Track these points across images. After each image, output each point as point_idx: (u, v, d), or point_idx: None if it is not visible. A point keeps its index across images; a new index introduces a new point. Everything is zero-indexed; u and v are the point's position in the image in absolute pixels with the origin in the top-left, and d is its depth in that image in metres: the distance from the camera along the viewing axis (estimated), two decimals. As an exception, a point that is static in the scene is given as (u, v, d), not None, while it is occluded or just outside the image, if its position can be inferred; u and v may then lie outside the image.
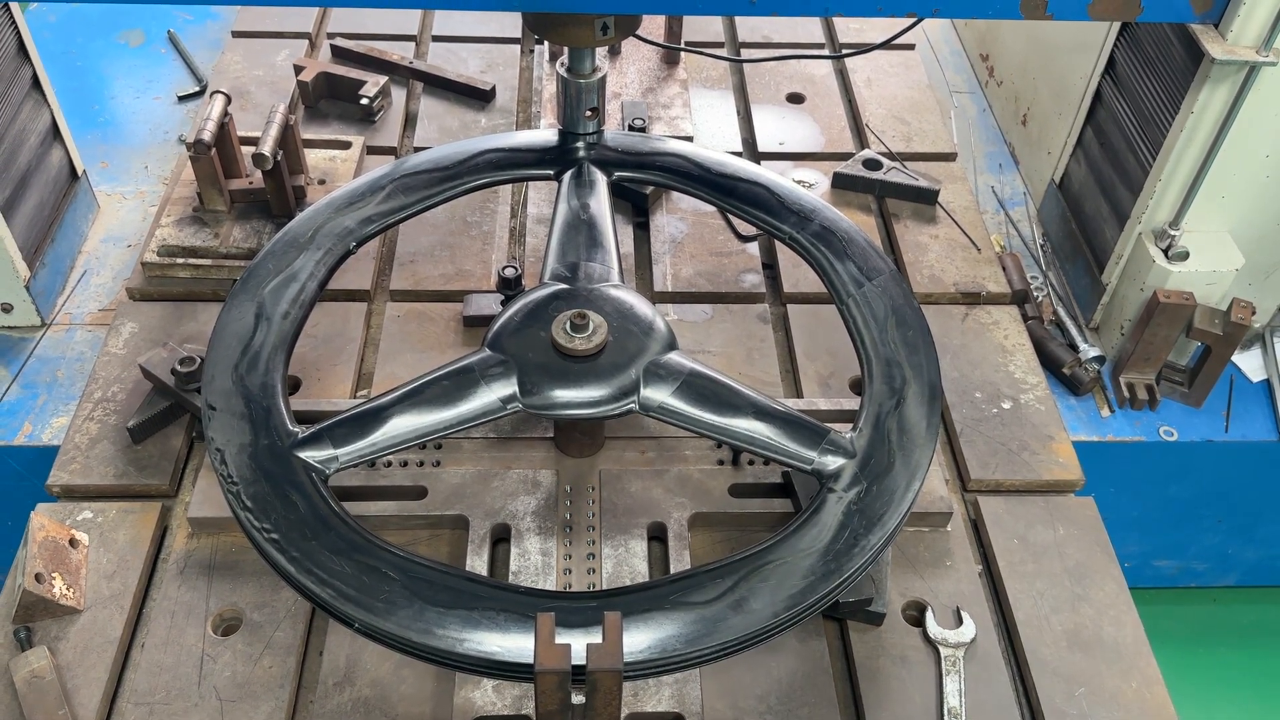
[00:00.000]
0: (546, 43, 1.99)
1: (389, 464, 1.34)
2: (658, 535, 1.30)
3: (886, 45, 1.73)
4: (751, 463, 1.36)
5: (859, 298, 1.30)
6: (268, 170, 1.57)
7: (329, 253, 1.32)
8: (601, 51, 1.43)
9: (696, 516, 1.30)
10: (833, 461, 1.14)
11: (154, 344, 1.48)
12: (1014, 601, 1.27)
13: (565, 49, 1.37)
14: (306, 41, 2.02)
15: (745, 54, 2.05)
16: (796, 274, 1.62)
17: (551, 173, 1.45)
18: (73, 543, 1.26)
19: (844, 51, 1.89)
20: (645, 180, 1.48)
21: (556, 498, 1.30)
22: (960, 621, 1.24)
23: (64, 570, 1.23)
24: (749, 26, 2.10)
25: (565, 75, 1.39)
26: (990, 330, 1.58)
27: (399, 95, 1.91)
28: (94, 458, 1.36)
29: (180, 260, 1.59)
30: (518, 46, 2.04)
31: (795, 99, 1.96)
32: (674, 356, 1.22)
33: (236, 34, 2.04)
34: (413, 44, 2.03)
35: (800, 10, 1.28)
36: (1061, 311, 1.69)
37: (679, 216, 1.72)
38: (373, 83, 1.85)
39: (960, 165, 1.85)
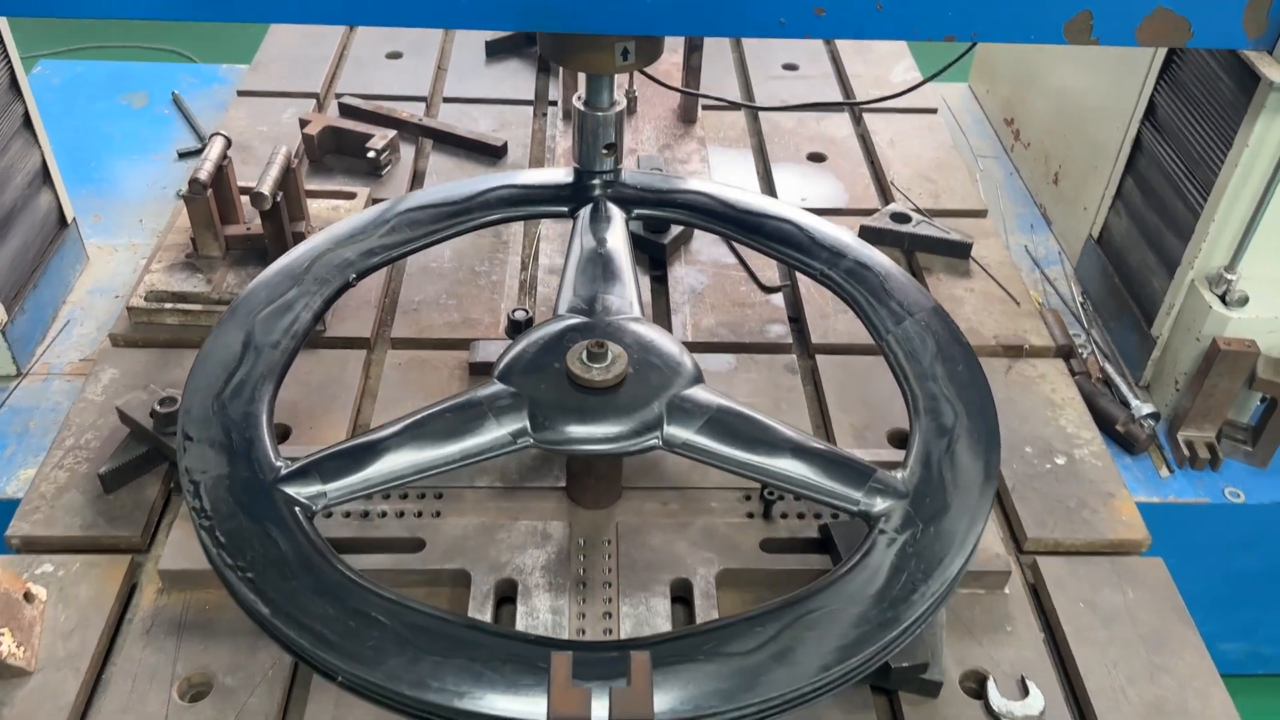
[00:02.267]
0: (560, 102, 1.94)
1: (383, 514, 1.22)
2: (682, 594, 1.16)
3: (923, 84, 1.67)
4: (785, 516, 1.23)
5: (899, 334, 1.20)
6: (266, 211, 1.49)
7: (326, 284, 1.23)
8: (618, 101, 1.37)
9: (725, 573, 1.17)
10: (882, 502, 1.03)
11: (136, 391, 1.37)
12: (1084, 671, 1.13)
13: (581, 83, 1.31)
14: (314, 101, 1.98)
15: (765, 114, 1.99)
16: (825, 325, 1.53)
17: (566, 210, 1.38)
18: (28, 597, 1.13)
19: (871, 100, 1.83)
20: (666, 218, 1.40)
21: (569, 551, 1.18)
22: (1026, 692, 1.10)
23: (15, 626, 1.09)
24: (767, 91, 2.06)
25: (582, 109, 1.33)
26: (1036, 384, 1.47)
27: (407, 152, 1.85)
28: (60, 507, 1.24)
29: (169, 305, 1.50)
30: (530, 108, 2.00)
31: (816, 158, 1.90)
32: (700, 390, 1.11)
33: (242, 93, 1.99)
34: (423, 105, 1.98)
35: (835, 32, 1.21)
36: (1109, 368, 1.58)
37: (698, 268, 1.63)
38: (380, 136, 1.79)
39: (991, 222, 1.78)
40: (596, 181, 1.38)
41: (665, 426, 1.08)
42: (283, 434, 1.35)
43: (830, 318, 1.54)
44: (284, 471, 1.02)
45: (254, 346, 1.14)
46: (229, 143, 1.55)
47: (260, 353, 1.14)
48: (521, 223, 1.70)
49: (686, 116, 1.91)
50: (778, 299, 1.58)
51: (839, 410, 1.41)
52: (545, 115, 1.99)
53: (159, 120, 2.07)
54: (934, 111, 2.03)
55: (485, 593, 1.14)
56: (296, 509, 0.99)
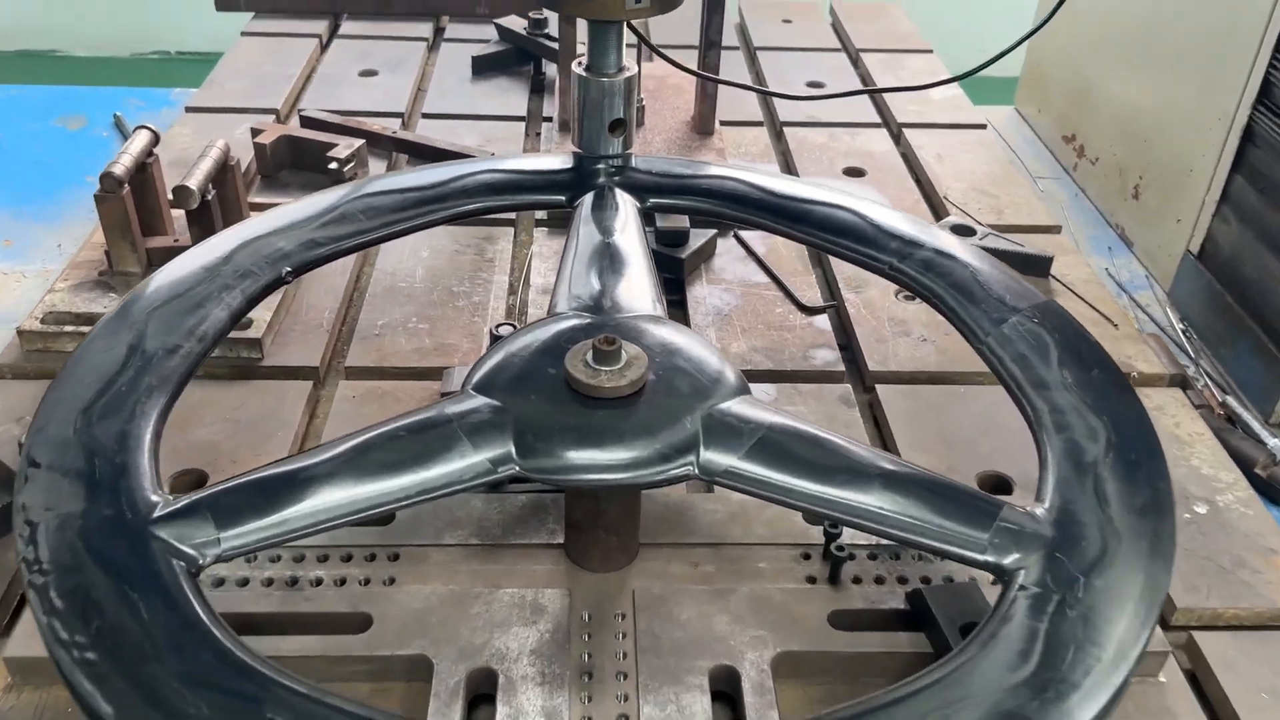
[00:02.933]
0: (555, 117, 1.69)
1: (317, 581, 0.91)
2: (725, 688, 0.85)
3: (971, 74, 1.42)
4: (858, 580, 0.92)
5: (1003, 335, 0.91)
6: (194, 213, 1.21)
7: (250, 278, 0.95)
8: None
9: (783, 658, 0.86)
10: (1018, 548, 0.72)
11: (7, 424, 1.07)
12: (1290, 792, 0.81)
13: (582, 35, 1.06)
14: (273, 117, 1.72)
15: (787, 123, 1.75)
16: (882, 350, 1.24)
17: (563, 199, 1.11)
18: None
19: (908, 87, 1.58)
20: (688, 208, 1.13)
21: (569, 630, 0.86)
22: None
23: None
24: (790, 109, 1.82)
25: (583, 74, 1.07)
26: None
27: (378, 167, 1.59)
28: (-113, 577, 0.93)
29: (69, 329, 1.21)
30: (521, 124, 1.75)
31: (854, 173, 1.64)
32: (745, 403, 0.82)
33: (191, 109, 1.74)
34: (399, 121, 1.73)
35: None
36: (1231, 401, 1.29)
37: (723, 287, 1.35)
38: (345, 145, 1.53)
39: (1067, 239, 1.51)
40: (601, 167, 1.12)
41: (702, 449, 0.78)
42: (196, 480, 1.04)
43: (888, 342, 1.26)
44: (162, 510, 0.72)
45: (142, 351, 0.85)
46: (156, 138, 1.29)
47: (151, 359, 0.84)
48: (510, 239, 1.43)
49: (703, 127, 1.65)
50: (822, 322, 1.30)
51: (911, 450, 1.11)
52: (539, 134, 1.75)
53: (95, 143, 1.81)
54: (983, 127, 1.79)
55: (452, 688, 0.82)
56: (175, 561, 0.69)
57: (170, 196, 1.26)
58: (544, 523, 0.96)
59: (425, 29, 2.05)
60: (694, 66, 1.66)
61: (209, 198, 1.22)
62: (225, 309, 0.91)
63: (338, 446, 0.78)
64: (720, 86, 1.62)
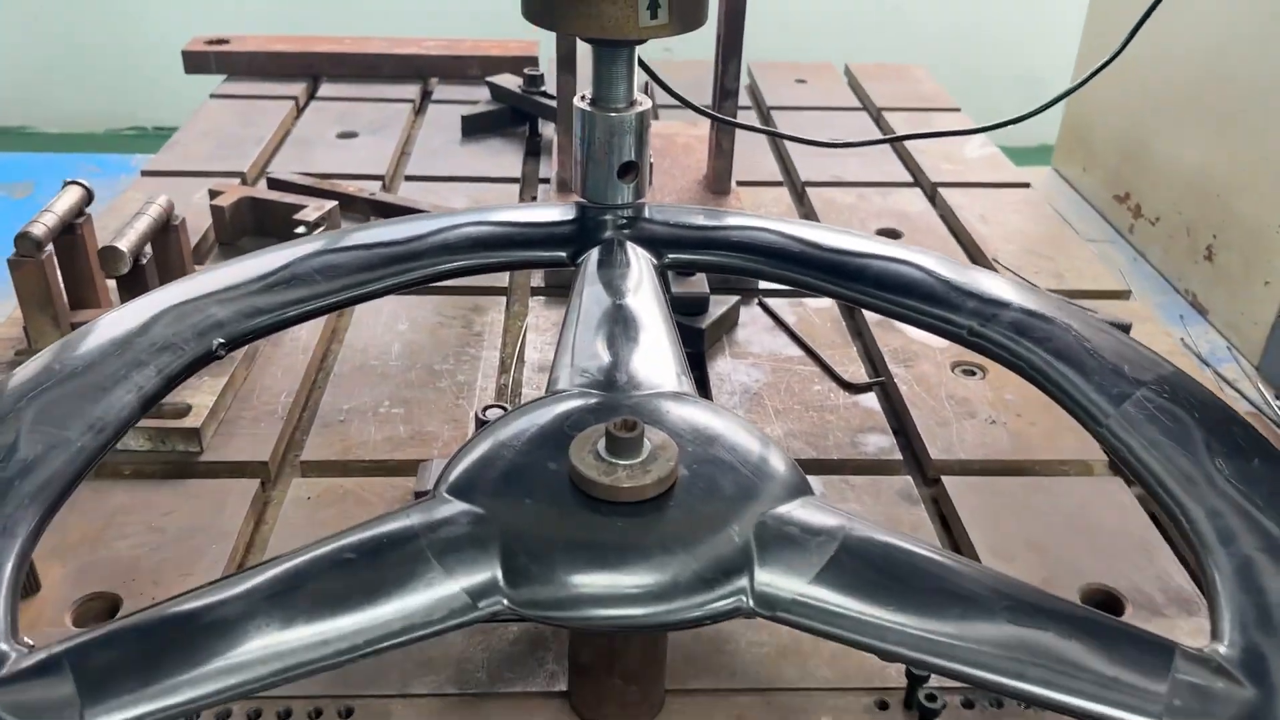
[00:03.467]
0: (553, 178, 1.53)
1: (243, 747, 0.69)
2: None
3: (1023, 119, 1.25)
4: (953, 736, 0.71)
5: (1128, 416, 0.71)
6: (125, 278, 1.03)
7: (170, 352, 0.75)
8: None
9: None
10: (1207, 710, 0.51)
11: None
12: None
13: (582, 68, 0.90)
14: (238, 181, 1.56)
15: (811, 183, 1.59)
16: (945, 435, 1.05)
17: (564, 255, 0.93)
18: None
19: (981, 127, 1.41)
20: (715, 265, 0.95)
21: (575, 814, 0.65)
22: None
23: None
24: (815, 168, 1.66)
25: (587, 109, 0.91)
26: None
27: (352, 232, 1.42)
28: None
29: (-30, 419, 1.00)
30: (515, 186, 1.59)
31: (889, 234, 1.47)
32: (810, 506, 0.62)
33: (147, 173, 1.58)
34: (379, 184, 1.57)
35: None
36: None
37: (750, 361, 1.17)
38: (315, 207, 1.36)
39: (1141, 305, 1.33)
40: (609, 218, 0.94)
41: (757, 571, 0.58)
42: (107, 608, 0.84)
43: (951, 425, 1.06)
44: (15, 664, 0.51)
45: (14, 450, 0.65)
46: (89, 196, 1.11)
47: (32, 458, 0.65)
48: (501, 309, 1.25)
49: (718, 186, 1.49)
50: (869, 401, 1.11)
51: (992, 556, 0.91)
52: (535, 197, 1.58)
53: (36, 210, 1.63)
54: (1027, 186, 1.63)
55: None
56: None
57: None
58: (542, 663, 0.75)
59: (412, 91, 1.91)
60: (702, 133, 1.51)
61: (144, 262, 1.03)
62: (134, 392, 0.72)
63: (261, 574, 0.58)
64: (735, 144, 1.47)
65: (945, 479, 1.00)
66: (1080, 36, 1.84)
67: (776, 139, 1.80)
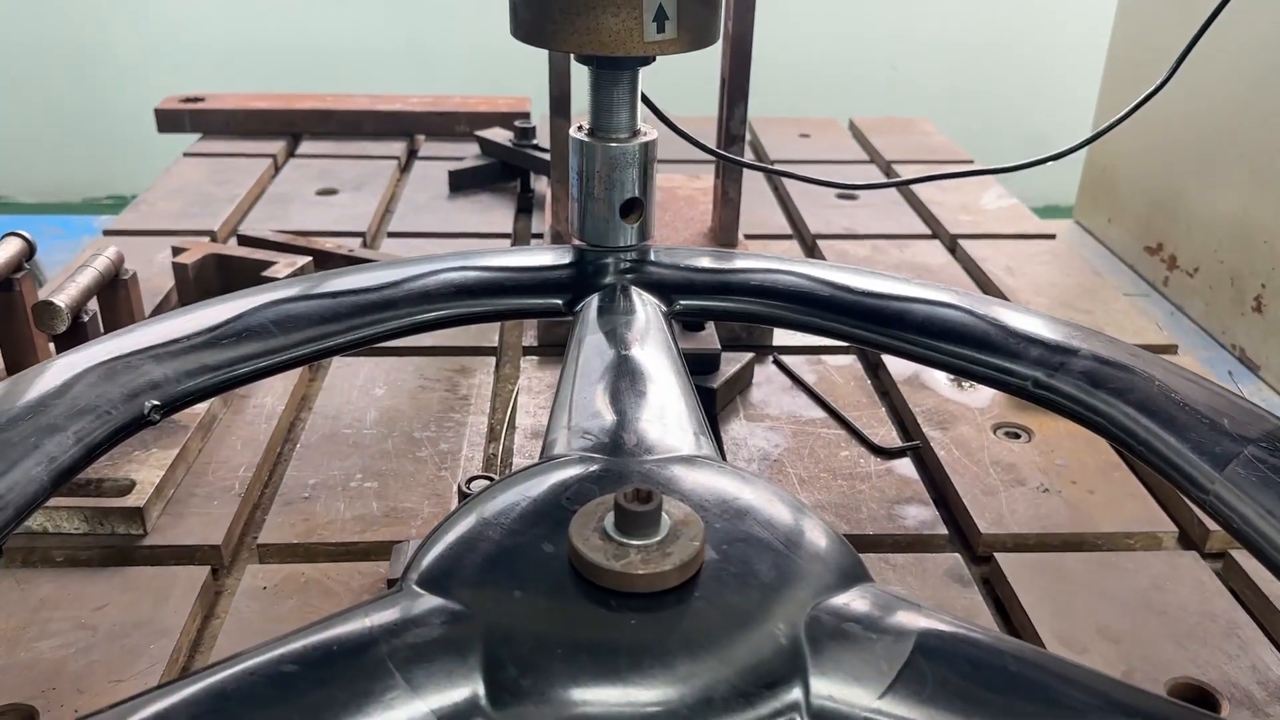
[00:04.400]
0: (546, 233, 1.45)
1: None
2: None
3: (1059, 157, 1.16)
4: None
5: (1236, 480, 0.60)
6: (63, 336, 0.91)
7: (96, 415, 0.64)
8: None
9: None
10: None
11: None
12: None
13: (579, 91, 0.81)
14: (208, 239, 1.46)
15: (822, 235, 1.51)
16: (994, 505, 0.93)
17: (560, 303, 0.83)
18: None
19: (995, 168, 1.32)
20: (733, 312, 0.85)
21: None
22: None
23: None
24: (823, 220, 1.58)
25: (585, 139, 0.82)
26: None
27: (329, 291, 1.32)
28: None
29: (-120, 499, 0.88)
30: (506, 242, 1.50)
31: (911, 288, 1.38)
32: (871, 596, 0.51)
33: (110, 233, 1.48)
34: (358, 240, 1.48)
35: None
36: None
37: (767, 424, 1.06)
38: (286, 264, 1.25)
39: (1193, 359, 1.22)
40: (610, 261, 0.85)
41: (812, 682, 0.46)
42: (16, 724, 0.70)
43: (998, 494, 0.95)
44: None
45: (-115, 530, 0.53)
46: (30, 249, 1.00)
47: (-95, 545, 0.52)
48: (490, 371, 1.15)
49: (724, 239, 1.39)
50: (904, 468, 1.00)
51: (1062, 647, 0.78)
52: (527, 253, 1.49)
53: (-4, 275, 1.53)
54: (1052, 237, 1.55)
55: None
56: None
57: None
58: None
59: (397, 148, 1.84)
60: (708, 176, 1.43)
61: (85, 319, 0.92)
62: (44, 464, 0.60)
63: (180, 691, 0.46)
64: (742, 195, 1.38)
65: (998, 555, 0.88)
66: (1100, 85, 1.77)
67: (783, 190, 1.73)
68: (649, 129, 0.84)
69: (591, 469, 0.59)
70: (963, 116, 3.13)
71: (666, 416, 0.66)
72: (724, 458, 0.99)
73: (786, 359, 1.18)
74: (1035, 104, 3.33)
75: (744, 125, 1.31)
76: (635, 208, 0.84)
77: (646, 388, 0.69)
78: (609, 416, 0.66)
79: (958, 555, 0.89)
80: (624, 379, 0.70)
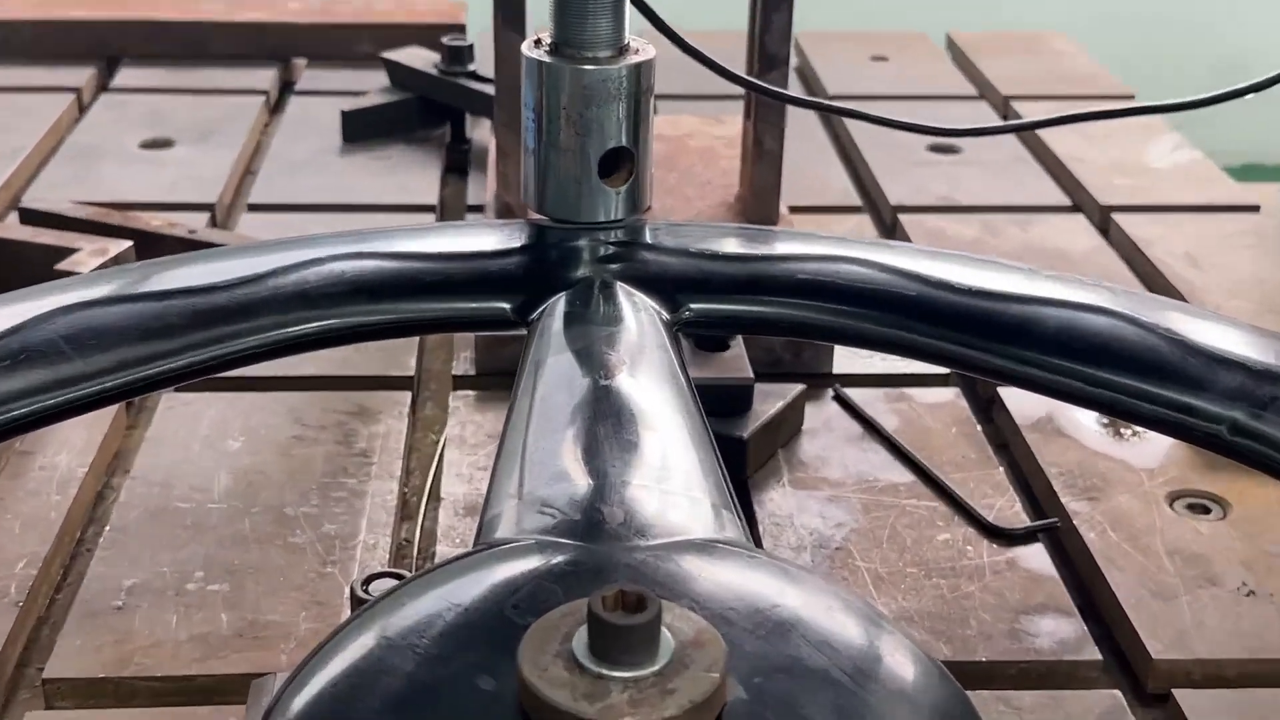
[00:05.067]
0: (489, 203, 1.47)
1: None
2: None
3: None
4: None
5: None
6: None
7: None
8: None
9: None
10: None
11: None
12: None
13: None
14: (-24, 215, 1.48)
15: (905, 208, 1.53)
16: (1172, 616, 0.94)
17: (507, 308, 0.85)
18: None
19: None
20: (768, 321, 0.89)
21: None
22: None
23: None
24: (910, 186, 1.61)
25: (546, 59, 0.84)
26: None
27: (158, 292, 1.34)
28: None
29: None
30: (430, 217, 1.53)
31: (1043, 285, 1.41)
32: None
33: None
34: (206, 215, 1.50)
35: None
36: None
37: (826, 494, 1.08)
38: (92, 251, 1.26)
39: None
40: (584, 244, 0.86)
41: None
42: None
43: (1179, 599, 0.96)
44: None
45: None
46: None
47: None
48: (402, 413, 1.18)
49: (759, 211, 1.41)
50: (1032, 558, 1.03)
51: (1279, 833, 0.78)
52: (460, 235, 1.52)
53: None
54: (1255, 210, 1.59)
55: None
56: None
57: None
58: None
59: (264, 78, 1.88)
60: (732, 119, 1.44)
61: None
62: None
63: None
64: (785, 145, 1.40)
65: (1177, 693, 0.89)
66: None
67: (847, 139, 1.76)
68: (643, 44, 0.85)
69: (554, 561, 0.59)
70: (1117, 29, 3.16)
71: (669, 480, 0.67)
72: (759, 544, 1.01)
73: (852, 393, 1.20)
74: (1226, 12, 3.36)
75: (788, 42, 1.32)
76: (623, 164, 0.85)
77: (639, 437, 0.70)
78: (581, 481, 0.66)
79: (1117, 692, 0.90)
80: (604, 423, 0.70)
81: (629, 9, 0.84)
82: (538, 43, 0.85)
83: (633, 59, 0.83)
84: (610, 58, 0.83)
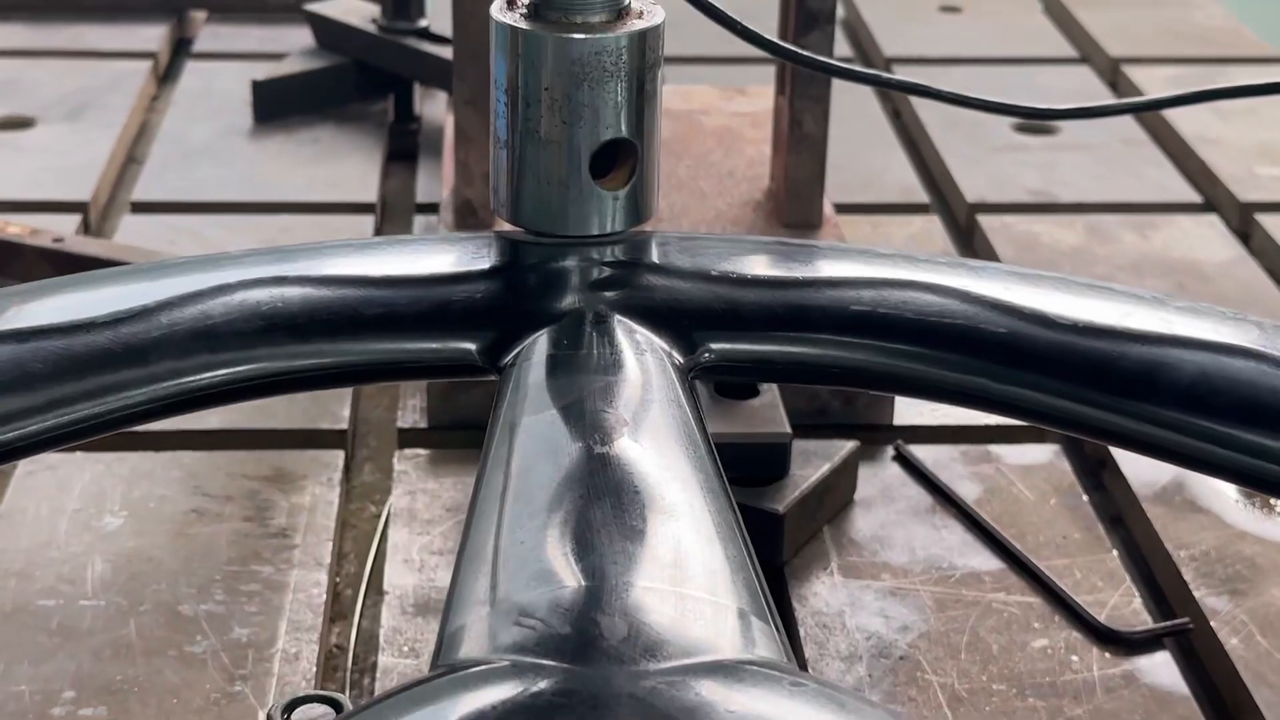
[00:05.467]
0: (446, 198, 1.50)
1: None
2: None
3: None
4: None
5: None
6: None
7: None
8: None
9: None
10: None
11: None
12: None
13: None
14: None
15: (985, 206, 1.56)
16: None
17: (472, 348, 0.87)
18: None
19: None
20: (807, 365, 0.90)
21: None
22: None
23: None
24: (994, 172, 1.61)
25: (522, 25, 0.85)
26: None
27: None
28: None
29: None
30: (368, 221, 1.55)
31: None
32: None
33: None
34: (77, 218, 1.52)
35: None
36: None
37: (887, 584, 1.11)
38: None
39: None
40: (573, 265, 0.88)
41: None
42: None
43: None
44: None
45: None
46: None
47: None
48: (332, 479, 1.19)
49: (795, 212, 1.44)
50: (1156, 670, 1.05)
51: None
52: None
53: None
54: None
55: None
56: None
57: None
58: None
59: (151, 36, 1.91)
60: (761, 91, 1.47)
61: None
62: None
63: None
64: (828, 124, 1.42)
65: None
66: None
67: (909, 116, 1.77)
68: (648, 4, 0.87)
69: (537, 688, 0.60)
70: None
71: (686, 580, 0.68)
72: (802, 662, 1.03)
73: (919, 451, 1.22)
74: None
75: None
76: (622, 160, 0.86)
77: (646, 522, 0.71)
78: (570, 579, 0.67)
79: None
80: (600, 504, 0.72)
81: (627, -40, 0.86)
82: (511, 3, 0.86)
83: (635, 24, 0.84)
84: (606, 23, 0.84)
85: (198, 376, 0.82)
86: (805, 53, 1.17)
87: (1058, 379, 0.82)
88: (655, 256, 0.88)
